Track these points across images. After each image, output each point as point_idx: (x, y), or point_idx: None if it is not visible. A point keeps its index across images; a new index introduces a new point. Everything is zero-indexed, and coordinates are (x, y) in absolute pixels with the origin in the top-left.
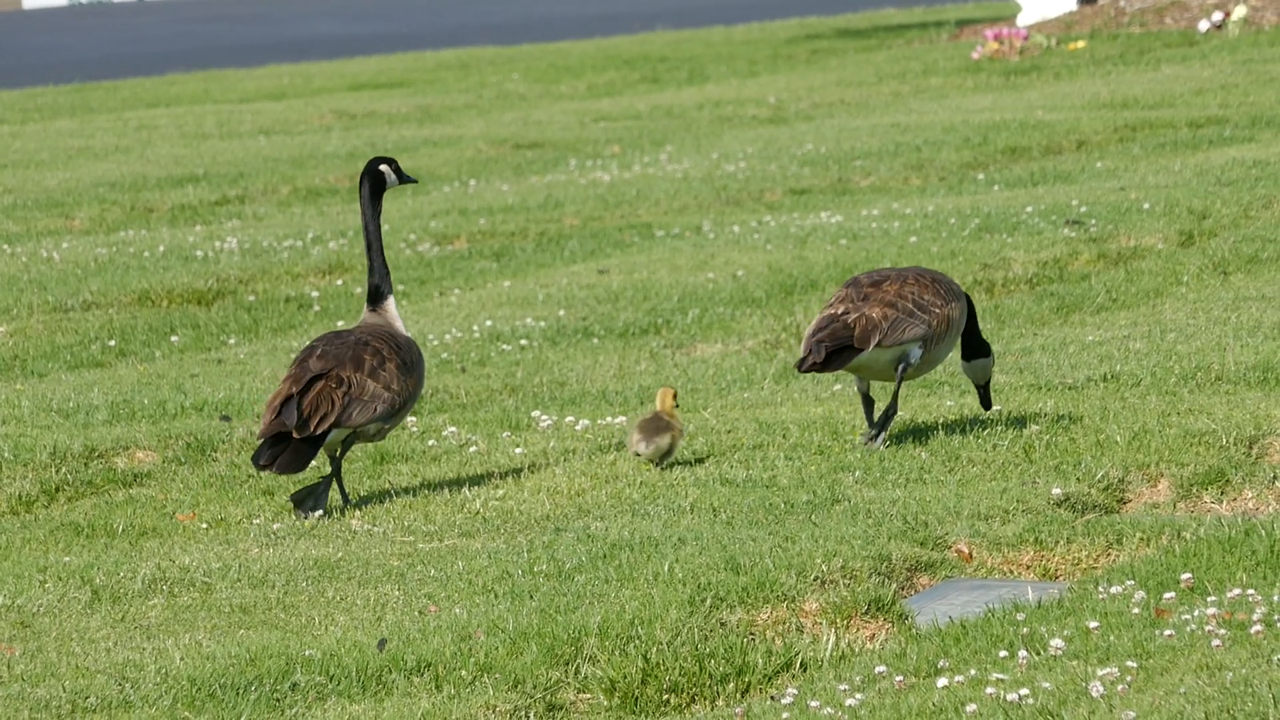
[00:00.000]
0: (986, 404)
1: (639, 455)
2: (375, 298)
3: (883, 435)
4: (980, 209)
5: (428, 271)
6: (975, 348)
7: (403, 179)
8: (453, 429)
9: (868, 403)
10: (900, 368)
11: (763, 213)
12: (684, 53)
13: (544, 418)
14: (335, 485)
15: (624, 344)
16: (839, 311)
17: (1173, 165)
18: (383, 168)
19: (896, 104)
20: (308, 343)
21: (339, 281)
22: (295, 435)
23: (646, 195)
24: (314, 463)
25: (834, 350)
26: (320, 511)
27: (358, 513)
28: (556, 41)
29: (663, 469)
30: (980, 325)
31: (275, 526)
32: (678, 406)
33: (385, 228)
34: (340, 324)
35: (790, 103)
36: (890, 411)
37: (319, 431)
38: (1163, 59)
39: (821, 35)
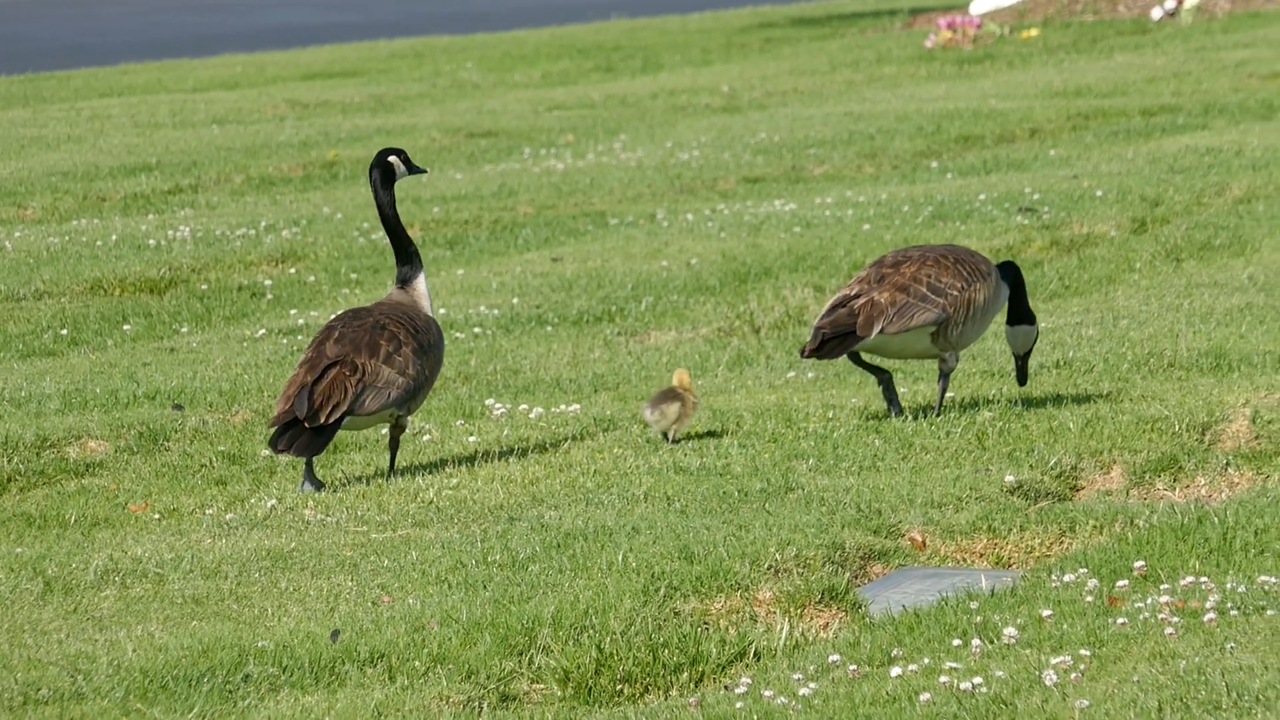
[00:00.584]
0: (1022, 378)
1: (648, 426)
2: (404, 281)
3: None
4: (933, 197)
5: (380, 260)
6: (1019, 314)
7: (412, 169)
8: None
9: (888, 387)
10: (940, 365)
11: (716, 201)
12: (638, 41)
13: (498, 406)
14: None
15: (578, 332)
16: (851, 293)
17: (1125, 153)
18: (391, 159)
19: (850, 92)
20: (327, 321)
21: (292, 270)
22: (306, 425)
23: (600, 184)
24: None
25: (831, 336)
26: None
27: (310, 502)
28: (511, 30)
29: (674, 441)
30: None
31: (228, 517)
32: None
33: (338, 216)
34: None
35: (744, 91)
36: (939, 407)
37: (329, 421)
38: (1116, 47)
39: (775, 24)
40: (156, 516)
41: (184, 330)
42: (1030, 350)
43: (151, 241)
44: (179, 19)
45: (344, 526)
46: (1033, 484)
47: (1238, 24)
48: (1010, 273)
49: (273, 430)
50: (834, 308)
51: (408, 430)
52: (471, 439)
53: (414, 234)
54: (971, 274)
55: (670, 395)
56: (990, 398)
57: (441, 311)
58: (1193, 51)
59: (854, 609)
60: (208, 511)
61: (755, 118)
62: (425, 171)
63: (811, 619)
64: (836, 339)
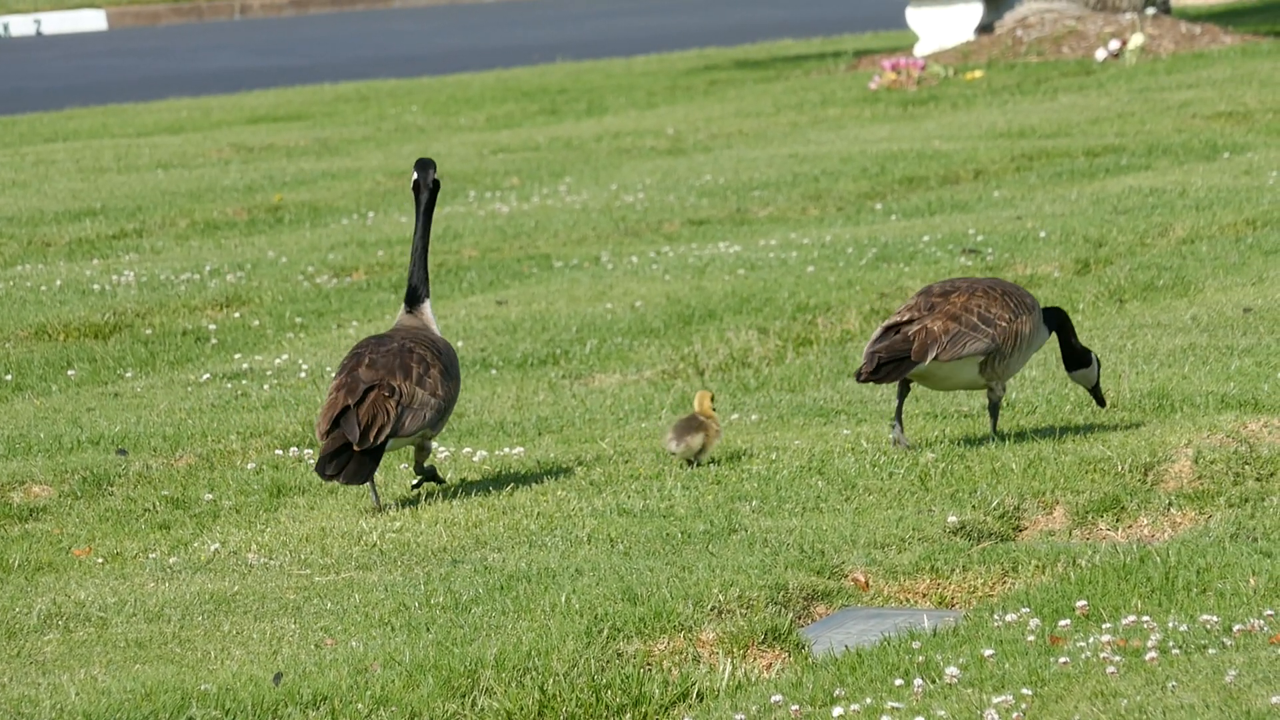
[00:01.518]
0: (1101, 402)
1: (673, 454)
2: (413, 299)
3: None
4: (877, 238)
5: (325, 303)
6: (1075, 358)
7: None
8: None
9: (900, 412)
10: (988, 395)
11: (661, 243)
12: (583, 84)
13: (441, 449)
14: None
15: (522, 375)
16: (903, 320)
17: (1069, 194)
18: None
19: (794, 134)
20: (352, 348)
21: (236, 314)
22: (356, 448)
23: (545, 226)
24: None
25: (887, 361)
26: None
27: (254, 545)
28: (456, 74)
29: (698, 466)
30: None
31: (171, 560)
32: (715, 410)
33: (282, 259)
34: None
35: (689, 134)
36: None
37: (379, 442)
38: (1060, 88)
39: (720, 66)
40: (100, 561)
41: (128, 375)
42: (1098, 382)
43: (96, 286)
44: (118, 63)
45: (287, 570)
46: (975, 524)
47: (1182, 65)
48: (1056, 318)
49: (320, 457)
50: (885, 332)
51: (431, 452)
52: (414, 482)
53: (358, 277)
54: (1018, 306)
55: (694, 425)
56: (933, 439)
57: None
58: (1137, 92)
59: (797, 649)
60: (151, 555)
61: (700, 160)
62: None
63: (754, 659)
64: (892, 363)
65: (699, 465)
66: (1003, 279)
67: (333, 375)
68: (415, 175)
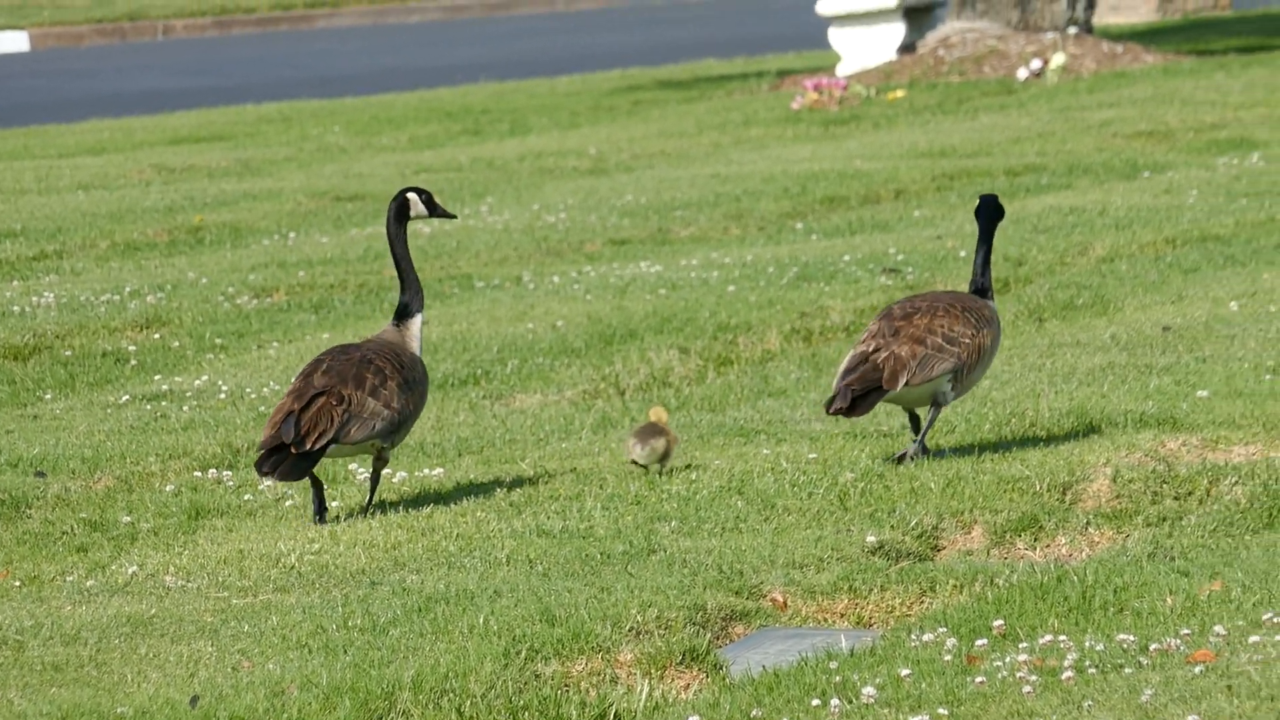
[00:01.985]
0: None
1: (636, 460)
2: (403, 314)
3: (917, 449)
4: (798, 258)
5: (246, 324)
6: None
7: (434, 211)
8: (268, 483)
9: (914, 419)
10: (932, 406)
11: (583, 263)
12: (506, 104)
13: (360, 470)
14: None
15: (443, 395)
16: (869, 349)
17: None
18: (410, 195)
19: (716, 154)
20: (315, 355)
21: (156, 335)
22: (292, 450)
23: (466, 247)
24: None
25: (861, 393)
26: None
27: (171, 568)
28: (379, 94)
29: (662, 474)
30: (799, 374)
31: (89, 583)
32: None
33: (203, 280)
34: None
35: (611, 154)
36: (920, 449)
37: (315, 448)
38: (981, 108)
39: (643, 86)
40: (17, 584)
41: (48, 397)
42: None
43: (16, 308)
44: (40, 84)
45: (205, 592)
46: (894, 544)
47: (1103, 84)
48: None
49: (259, 454)
50: (856, 364)
51: (387, 468)
52: (334, 504)
53: (279, 298)
54: (979, 321)
55: (655, 430)
56: (853, 459)
57: None
58: (1058, 112)
59: (715, 670)
60: (69, 578)
61: (622, 180)
62: (452, 216)
63: (672, 680)
64: (864, 395)
65: (661, 473)
66: (958, 292)
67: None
68: (408, 197)
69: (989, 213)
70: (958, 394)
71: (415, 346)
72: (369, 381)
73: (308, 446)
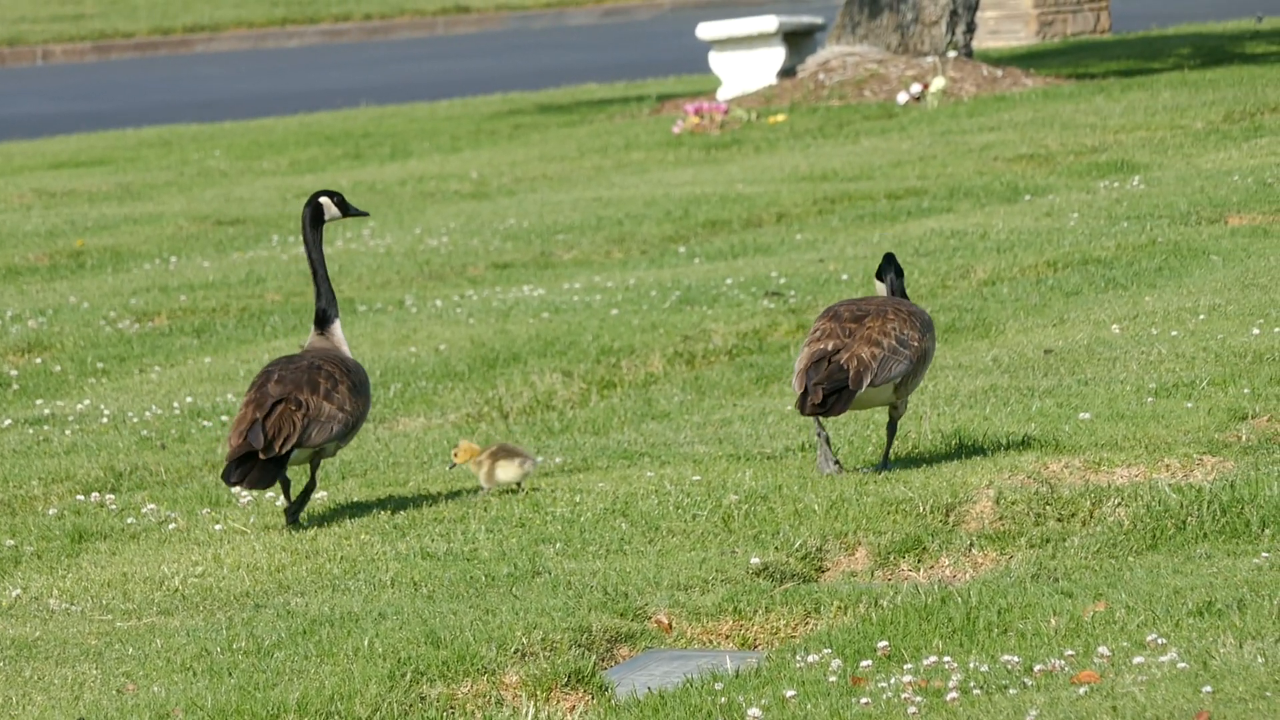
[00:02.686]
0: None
1: (500, 483)
2: (322, 322)
3: (888, 463)
4: (681, 281)
5: (128, 349)
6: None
7: (347, 211)
8: (152, 506)
9: (826, 441)
10: (890, 413)
11: (465, 287)
12: (387, 128)
13: (244, 494)
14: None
15: None
16: (828, 349)
17: (871, 237)
18: (322, 199)
19: (599, 178)
20: (263, 366)
21: (38, 360)
22: (261, 456)
23: (349, 270)
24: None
25: (831, 392)
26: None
27: (55, 591)
28: (259, 118)
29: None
30: (682, 397)
31: None
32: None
33: (84, 305)
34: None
35: (493, 178)
36: (886, 464)
37: (284, 451)
38: (862, 131)
39: (524, 110)
40: None
41: None
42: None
43: None
44: None
45: (88, 615)
46: (778, 566)
47: (983, 108)
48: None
49: (226, 464)
50: (816, 361)
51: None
52: (218, 527)
53: (160, 322)
54: (923, 326)
55: (511, 450)
56: (737, 481)
57: (188, 400)
58: (938, 135)
59: (600, 691)
60: None
61: (504, 204)
62: (365, 214)
63: (558, 702)
64: (835, 394)
65: (502, 493)
66: (896, 299)
67: (244, 394)
68: (321, 202)
69: (894, 270)
70: (903, 399)
71: (346, 350)
72: (322, 386)
73: (276, 450)
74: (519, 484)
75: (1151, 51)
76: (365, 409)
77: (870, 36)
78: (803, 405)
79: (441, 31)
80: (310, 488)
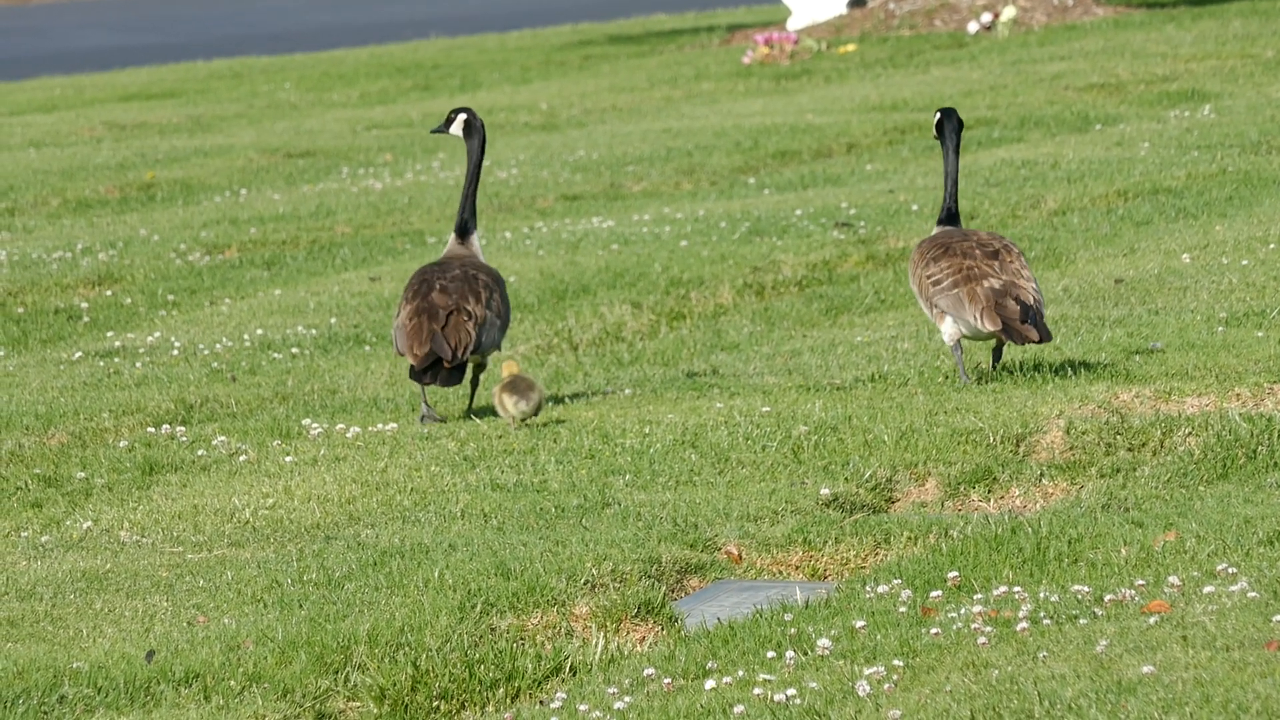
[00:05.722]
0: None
1: (515, 417)
2: (463, 232)
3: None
4: (750, 212)
5: (198, 281)
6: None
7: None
8: (222, 438)
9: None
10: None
11: (535, 219)
12: (457, 60)
13: (315, 426)
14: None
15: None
16: (1000, 285)
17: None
18: (462, 114)
19: (668, 109)
20: (415, 272)
21: (109, 292)
22: (447, 365)
23: (419, 203)
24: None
25: (1033, 324)
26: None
27: (126, 523)
28: (329, 50)
29: (531, 425)
30: (751, 329)
31: (44, 539)
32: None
33: (155, 237)
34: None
35: (562, 109)
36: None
37: (465, 358)
38: (932, 61)
39: (594, 41)
40: None
41: (0, 354)
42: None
43: None
44: None
45: (159, 548)
46: (848, 497)
47: (1054, 37)
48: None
49: (414, 369)
50: (1003, 295)
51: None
52: (288, 459)
53: (230, 255)
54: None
55: (528, 384)
56: (806, 412)
57: (259, 332)
58: (1009, 65)
59: (670, 623)
60: (23, 534)
61: (574, 135)
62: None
63: (627, 633)
64: (1033, 324)
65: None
66: (987, 232)
67: (401, 300)
68: (465, 118)
69: (952, 125)
70: None
71: (483, 258)
72: (482, 295)
73: (460, 357)
74: (528, 417)
75: None
76: (510, 314)
77: None
78: (1041, 335)
79: None
80: (475, 384)
